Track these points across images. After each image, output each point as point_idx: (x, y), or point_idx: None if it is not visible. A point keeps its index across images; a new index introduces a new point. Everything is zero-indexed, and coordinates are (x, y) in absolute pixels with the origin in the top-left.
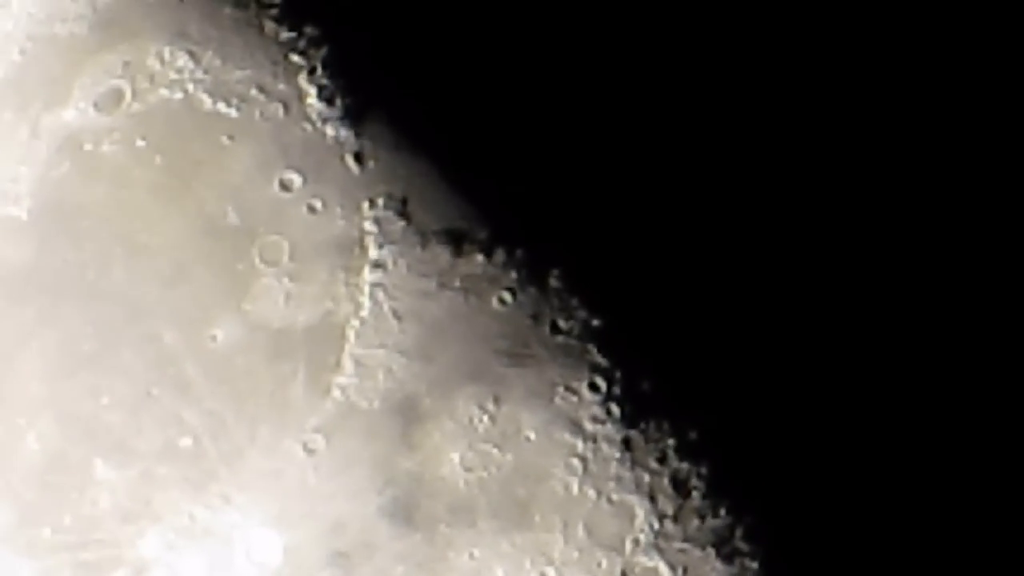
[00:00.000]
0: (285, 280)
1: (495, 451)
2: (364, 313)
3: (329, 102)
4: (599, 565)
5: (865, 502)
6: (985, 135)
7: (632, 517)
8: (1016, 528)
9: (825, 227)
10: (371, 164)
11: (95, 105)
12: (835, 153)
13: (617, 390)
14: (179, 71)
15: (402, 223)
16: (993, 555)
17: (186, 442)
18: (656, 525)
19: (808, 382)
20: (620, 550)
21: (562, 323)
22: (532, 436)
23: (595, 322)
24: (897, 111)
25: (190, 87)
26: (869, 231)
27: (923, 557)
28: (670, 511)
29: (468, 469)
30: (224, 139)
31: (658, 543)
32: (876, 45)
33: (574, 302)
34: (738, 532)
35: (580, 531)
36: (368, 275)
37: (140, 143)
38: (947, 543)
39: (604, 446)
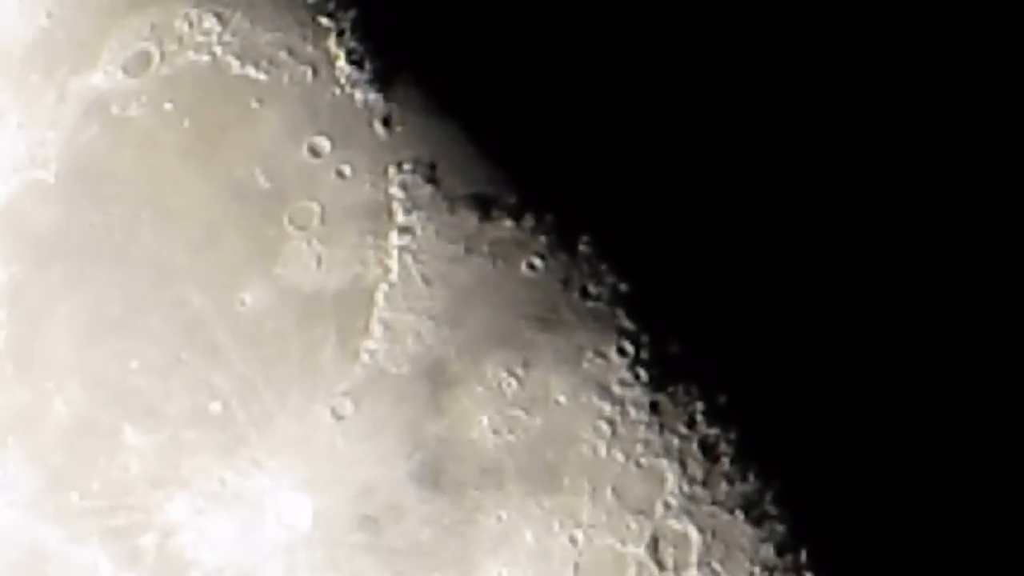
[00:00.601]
0: (315, 244)
1: (524, 415)
2: (393, 277)
3: (358, 66)
4: (628, 528)
5: (892, 466)
6: (985, 135)
7: (661, 481)
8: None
9: (847, 191)
10: (399, 129)
11: (123, 68)
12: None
13: (645, 354)
14: (207, 34)
15: (430, 188)
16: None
17: (216, 407)
18: (685, 489)
19: (835, 346)
20: (649, 513)
21: (591, 288)
22: (561, 400)
23: (623, 287)
24: (899, 111)
25: (218, 50)
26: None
27: (950, 524)
28: (699, 475)
29: (496, 433)
30: (253, 103)
31: (687, 507)
32: (876, 45)
33: (603, 267)
34: (767, 496)
35: (609, 495)
36: (396, 240)
37: (168, 107)
38: (966, 512)
39: (632, 410)
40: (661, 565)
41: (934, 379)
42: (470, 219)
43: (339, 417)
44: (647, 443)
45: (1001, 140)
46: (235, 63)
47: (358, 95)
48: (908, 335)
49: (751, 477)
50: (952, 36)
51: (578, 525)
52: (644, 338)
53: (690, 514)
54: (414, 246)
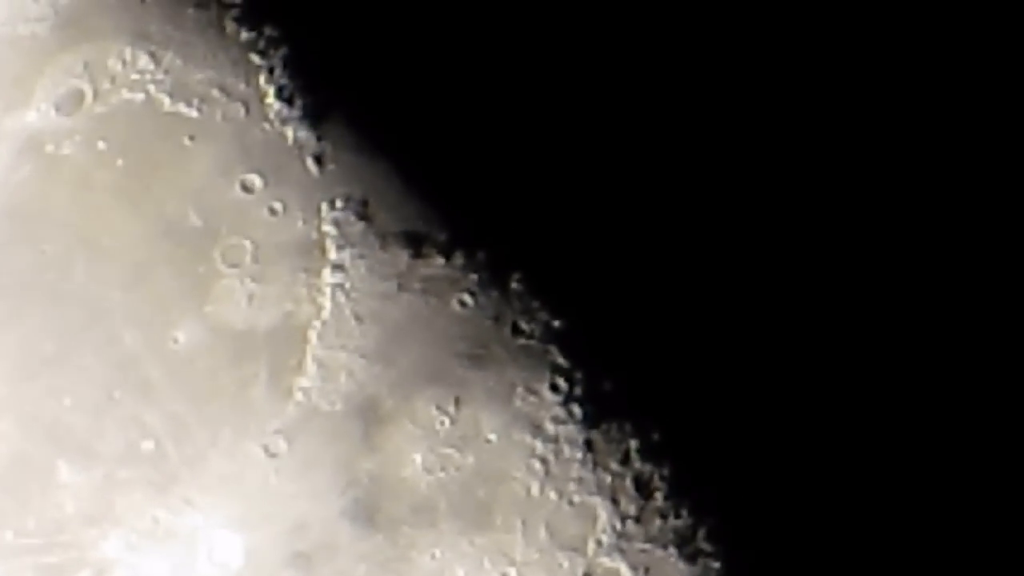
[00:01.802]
0: (247, 282)
1: (455, 453)
2: (325, 315)
3: (289, 102)
4: (561, 566)
5: (828, 502)
6: (985, 135)
7: (594, 518)
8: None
9: (788, 226)
10: (331, 166)
11: (56, 106)
12: (804, 156)
13: (578, 391)
14: (140, 72)
15: (362, 225)
16: (969, 557)
17: (148, 445)
18: (618, 526)
19: (769, 383)
20: (582, 551)
21: (523, 325)
22: (493, 438)
23: (556, 323)
24: (897, 111)
25: (151, 88)
26: (834, 230)
27: (885, 558)
28: (632, 512)
29: (429, 471)
30: (185, 140)
31: (620, 544)
32: (876, 45)
33: (535, 304)
34: (700, 532)
35: (542, 532)
36: (329, 277)
37: (101, 145)
38: (912, 542)
39: (565, 447)
40: None
41: (873, 415)
42: (402, 256)
43: (272, 455)
44: (580, 480)
45: (1001, 140)
46: (167, 101)
47: (289, 132)
48: (845, 371)
49: (684, 513)
50: (952, 36)
51: (511, 563)
52: (577, 375)
53: (623, 552)
54: (346, 283)
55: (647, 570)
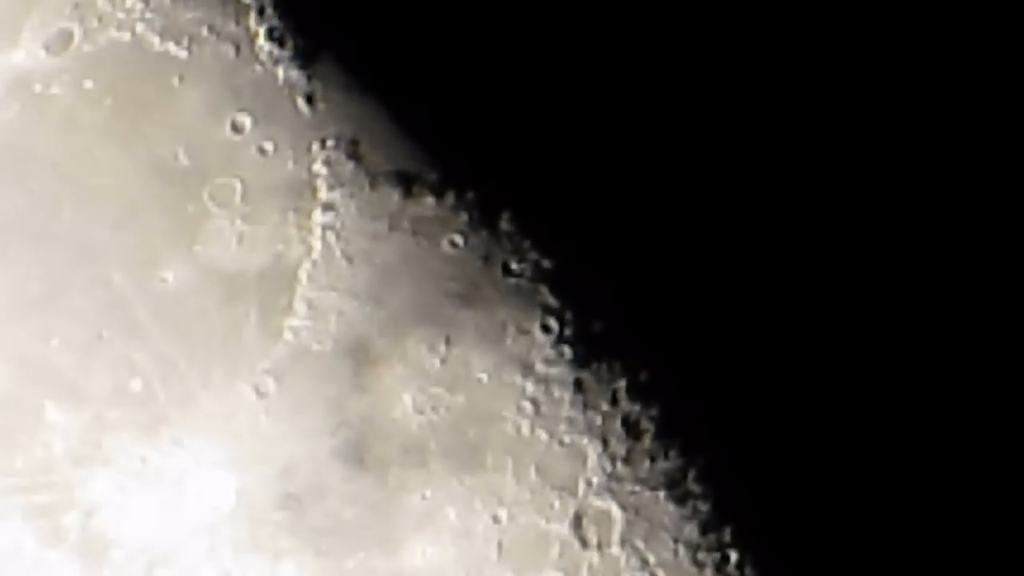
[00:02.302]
0: (237, 222)
1: (446, 393)
2: (315, 255)
3: (280, 43)
4: (551, 506)
5: (816, 441)
6: (985, 135)
7: (584, 459)
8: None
9: (773, 172)
10: (321, 106)
11: (45, 46)
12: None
13: (568, 331)
14: (128, 11)
15: (352, 165)
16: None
17: (137, 385)
18: (608, 467)
19: (759, 322)
20: (572, 491)
21: (513, 265)
22: (483, 378)
23: (546, 263)
24: (897, 111)
25: (139, 27)
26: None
27: (878, 497)
28: (622, 453)
29: (419, 411)
30: (174, 80)
31: (610, 485)
32: (876, 45)
33: (525, 244)
34: (690, 474)
35: (532, 473)
36: (319, 217)
37: (89, 85)
38: (896, 492)
39: (555, 388)
40: (584, 543)
41: (858, 349)
42: (392, 196)
43: (262, 395)
44: (570, 421)
45: (1001, 140)
46: (156, 41)
47: (280, 72)
48: (828, 306)
49: (673, 455)
50: (952, 36)
51: (501, 503)
52: (567, 315)
53: (612, 492)
54: (337, 224)
55: (637, 511)
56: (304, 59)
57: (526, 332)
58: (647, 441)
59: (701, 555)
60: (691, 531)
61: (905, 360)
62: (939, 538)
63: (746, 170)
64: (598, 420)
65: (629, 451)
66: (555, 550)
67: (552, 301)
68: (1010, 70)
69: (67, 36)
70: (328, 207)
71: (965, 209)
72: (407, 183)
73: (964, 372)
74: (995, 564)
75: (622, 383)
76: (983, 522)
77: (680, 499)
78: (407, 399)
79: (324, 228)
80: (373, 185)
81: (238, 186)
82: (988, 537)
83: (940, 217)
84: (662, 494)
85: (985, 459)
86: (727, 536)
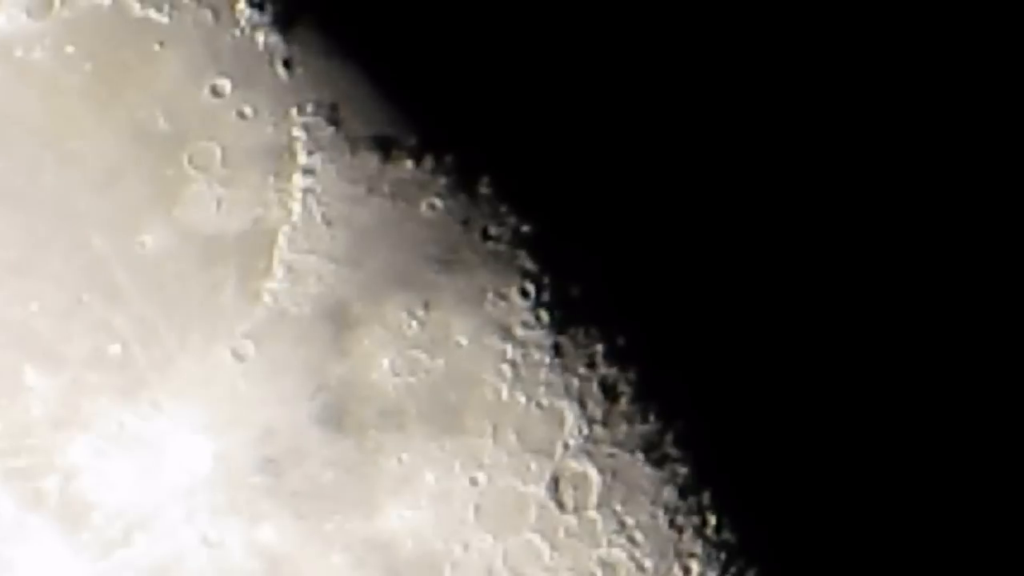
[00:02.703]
0: (216, 186)
1: (425, 357)
2: (295, 219)
3: (259, 8)
4: (528, 469)
5: (793, 404)
6: (985, 135)
7: (562, 422)
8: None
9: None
10: (300, 71)
11: (26, 11)
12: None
13: (547, 296)
14: None
15: (331, 129)
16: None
17: (115, 349)
18: (586, 430)
19: (736, 286)
20: (550, 454)
21: (492, 229)
22: (462, 342)
23: (525, 228)
24: (897, 111)
25: None
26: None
27: (846, 461)
28: (599, 416)
29: (398, 375)
30: (154, 45)
31: (588, 447)
32: (876, 45)
33: (504, 208)
34: (668, 437)
35: (510, 436)
36: (298, 181)
37: (70, 49)
38: (868, 453)
39: (534, 351)
40: (562, 506)
41: (833, 319)
42: (371, 160)
43: (240, 358)
44: (548, 384)
45: (1001, 140)
46: (136, 6)
47: (260, 37)
48: (803, 289)
49: (651, 418)
50: (952, 36)
51: (479, 466)
52: (546, 279)
53: (590, 455)
54: (316, 187)
55: (614, 474)
56: (283, 24)
57: (505, 296)
58: (625, 404)
59: (679, 518)
60: (669, 494)
61: (876, 323)
62: (911, 499)
63: (721, 134)
64: (576, 383)
65: (607, 414)
66: (532, 513)
67: (531, 265)
68: (1010, 70)
69: (48, 1)
70: (307, 171)
71: (964, 209)
72: (386, 147)
73: (939, 346)
74: (971, 540)
75: (600, 347)
76: (963, 493)
77: (658, 462)
78: (386, 363)
79: (303, 192)
80: (352, 149)
81: (218, 150)
82: (968, 512)
83: (931, 215)
84: (640, 457)
85: (959, 432)
86: (706, 499)
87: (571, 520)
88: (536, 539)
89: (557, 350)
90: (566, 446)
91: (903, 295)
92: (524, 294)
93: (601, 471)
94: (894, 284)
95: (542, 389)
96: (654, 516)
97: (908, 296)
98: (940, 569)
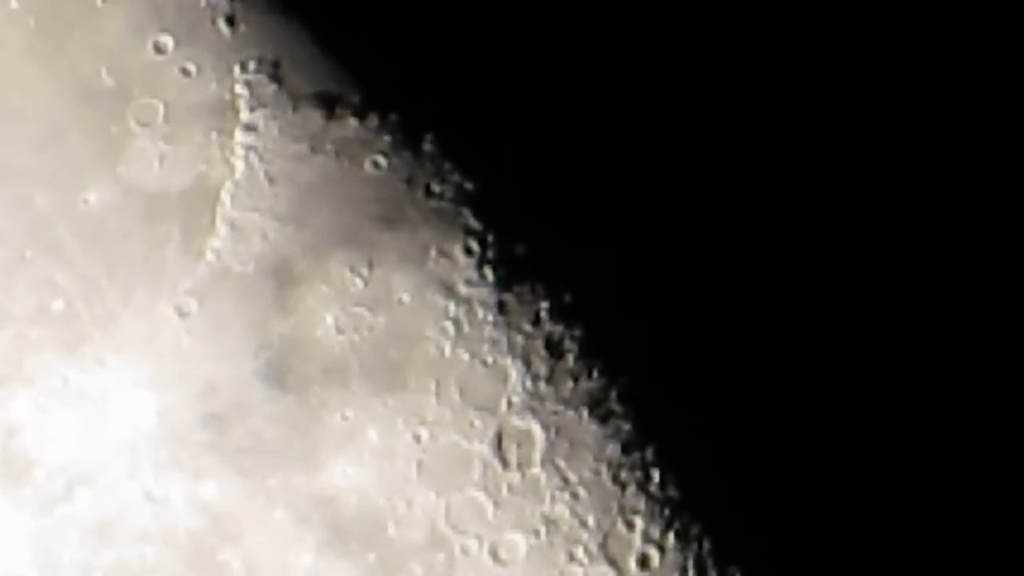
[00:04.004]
0: (159, 142)
1: (368, 314)
2: (238, 176)
3: None
4: (472, 425)
5: (738, 359)
6: (985, 135)
7: (506, 379)
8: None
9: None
10: (243, 27)
11: None
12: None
13: (491, 253)
14: None
15: (274, 86)
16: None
17: (59, 305)
18: (530, 386)
19: (681, 242)
20: (494, 411)
21: (436, 187)
22: (405, 299)
23: (469, 186)
24: (897, 111)
25: None
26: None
27: (790, 418)
28: (543, 373)
29: (341, 332)
30: (98, 1)
31: (532, 404)
32: (876, 45)
33: (448, 166)
34: (612, 394)
35: (453, 392)
36: (241, 138)
37: (14, 5)
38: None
39: (478, 309)
40: (505, 463)
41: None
42: (314, 118)
43: (184, 315)
44: (492, 342)
45: (1001, 140)
46: None
47: None
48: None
49: (595, 375)
50: (952, 36)
51: (423, 423)
52: (490, 237)
53: (534, 412)
54: (259, 145)
55: (558, 430)
56: None
57: (448, 254)
58: (569, 361)
59: (623, 474)
60: (613, 450)
61: (821, 294)
62: (852, 476)
63: (658, 84)
64: (520, 340)
65: (551, 371)
66: (476, 470)
67: (475, 223)
68: (1010, 70)
69: None
70: (250, 128)
71: (962, 209)
72: (329, 104)
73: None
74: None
75: (544, 304)
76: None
77: (602, 418)
78: (329, 320)
79: (246, 149)
80: (295, 107)
81: (161, 107)
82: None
83: (942, 217)
84: (584, 413)
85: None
86: (649, 455)
87: (514, 477)
88: (480, 496)
89: (501, 307)
90: (510, 403)
91: (853, 267)
92: (468, 251)
93: (545, 428)
94: (842, 256)
95: (486, 346)
96: (597, 472)
97: (858, 269)
98: (876, 527)
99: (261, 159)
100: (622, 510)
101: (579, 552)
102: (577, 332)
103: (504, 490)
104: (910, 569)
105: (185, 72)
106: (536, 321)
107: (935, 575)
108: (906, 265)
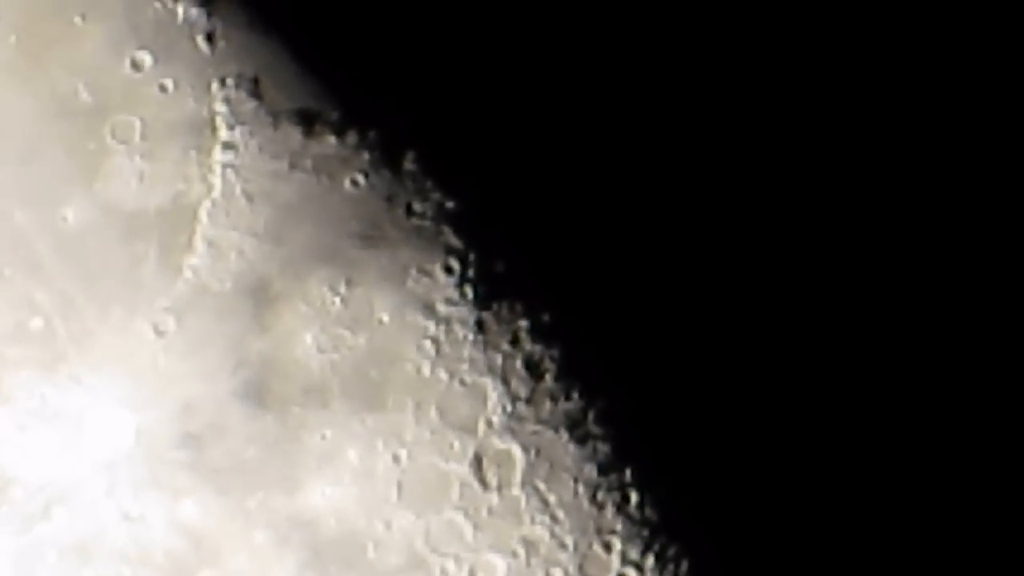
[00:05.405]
0: (137, 160)
1: (347, 333)
2: (216, 194)
3: None
4: (451, 447)
5: (716, 381)
6: (985, 135)
7: (485, 399)
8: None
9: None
10: (222, 43)
11: None
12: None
13: (471, 272)
14: None
15: (253, 103)
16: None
17: (37, 323)
18: (509, 407)
19: (660, 262)
20: (473, 432)
21: (416, 205)
22: (385, 318)
23: (449, 204)
24: (897, 111)
25: None
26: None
27: (771, 438)
28: (523, 393)
29: (321, 351)
30: (76, 18)
31: (511, 425)
32: (876, 45)
33: (428, 184)
34: (591, 415)
35: (433, 413)
36: (219, 156)
37: None
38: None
39: (457, 328)
40: (484, 484)
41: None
42: (294, 135)
43: (161, 333)
44: (472, 361)
45: (1001, 140)
46: None
47: (180, 10)
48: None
49: (575, 395)
50: (952, 36)
51: (402, 444)
52: (470, 256)
53: (514, 432)
54: (237, 162)
55: (538, 451)
56: None
57: (428, 273)
58: (548, 381)
59: (601, 495)
60: (591, 471)
61: (804, 296)
62: (834, 499)
63: (643, 101)
64: (499, 360)
65: (530, 391)
66: (455, 491)
67: (455, 242)
68: (1010, 70)
69: None
70: (229, 146)
71: (965, 209)
72: (309, 122)
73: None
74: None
75: (524, 323)
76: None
77: (581, 439)
78: (308, 339)
79: (224, 167)
80: (274, 124)
81: (138, 124)
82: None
83: (942, 217)
84: (563, 435)
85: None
86: (627, 476)
87: (494, 498)
88: (459, 517)
89: (480, 327)
90: (489, 423)
91: (843, 283)
92: (448, 270)
93: (524, 448)
94: (830, 273)
95: (465, 366)
96: (576, 493)
97: (849, 284)
98: (857, 541)
99: (239, 176)
100: (600, 531)
101: (557, 574)
102: (556, 352)
103: (483, 511)
104: None
105: (163, 89)
106: (515, 340)
107: None
108: (900, 270)
